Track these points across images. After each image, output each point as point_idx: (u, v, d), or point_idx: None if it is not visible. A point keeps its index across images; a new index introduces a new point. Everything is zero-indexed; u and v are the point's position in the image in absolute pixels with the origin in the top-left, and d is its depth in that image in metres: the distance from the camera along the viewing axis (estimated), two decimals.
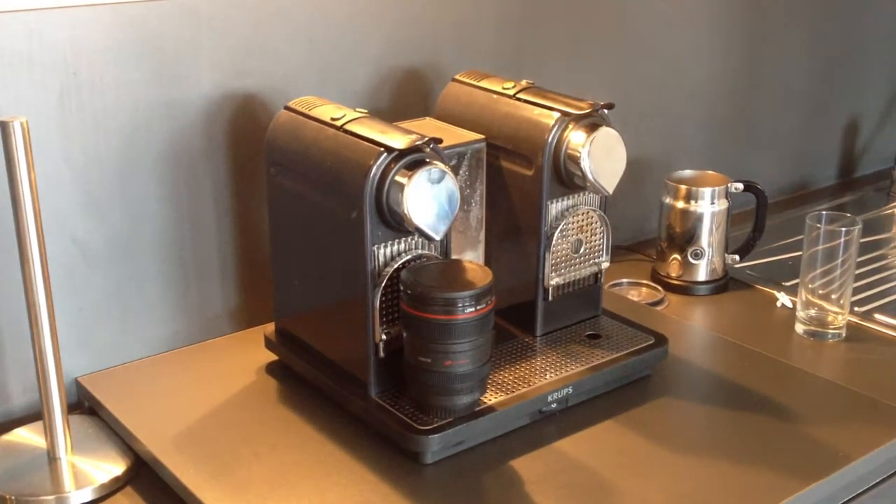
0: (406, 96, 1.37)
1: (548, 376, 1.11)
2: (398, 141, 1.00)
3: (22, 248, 0.99)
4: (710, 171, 1.53)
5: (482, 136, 1.15)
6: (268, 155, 1.13)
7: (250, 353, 1.23)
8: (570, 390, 1.10)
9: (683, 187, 1.47)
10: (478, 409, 1.04)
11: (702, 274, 1.50)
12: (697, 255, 1.48)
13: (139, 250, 1.21)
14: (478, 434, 1.04)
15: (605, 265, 1.23)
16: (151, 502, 1.03)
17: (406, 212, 0.98)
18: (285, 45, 1.25)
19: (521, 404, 1.06)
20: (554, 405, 1.09)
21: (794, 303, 1.42)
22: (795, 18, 1.85)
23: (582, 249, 1.20)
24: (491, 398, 1.06)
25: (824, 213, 1.35)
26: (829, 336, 1.35)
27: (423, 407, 1.02)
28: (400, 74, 1.36)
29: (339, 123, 1.05)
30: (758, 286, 1.52)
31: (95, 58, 1.12)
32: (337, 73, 1.30)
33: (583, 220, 1.19)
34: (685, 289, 1.50)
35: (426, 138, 1.00)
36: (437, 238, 1.00)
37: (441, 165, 1.00)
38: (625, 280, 1.53)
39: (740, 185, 1.49)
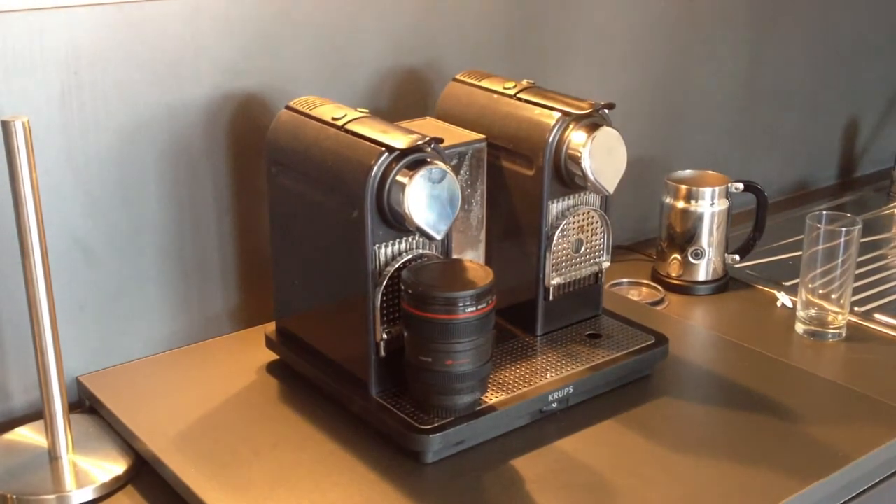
0: (407, 96, 1.37)
1: (548, 376, 1.11)
2: (399, 140, 1.00)
3: (23, 246, 0.99)
4: (710, 171, 1.53)
5: (483, 136, 1.15)
6: (269, 154, 1.13)
7: (251, 352, 1.23)
8: (571, 390, 1.10)
9: (684, 187, 1.48)
10: (478, 408, 1.04)
11: (702, 274, 1.50)
12: (698, 255, 1.48)
13: (140, 249, 1.21)
14: (478, 433, 1.04)
15: (606, 265, 1.23)
16: (152, 501, 1.03)
17: (407, 211, 0.98)
18: (286, 44, 1.25)
19: (521, 404, 1.06)
20: (554, 405, 1.09)
21: (794, 303, 1.42)
22: (796, 19, 1.85)
23: (582, 249, 1.20)
24: (491, 398, 1.06)
25: (824, 213, 1.35)
26: (829, 336, 1.35)
27: (423, 406, 1.02)
28: (401, 74, 1.36)
29: (340, 123, 1.05)
30: (758, 286, 1.52)
31: (97, 57, 1.12)
32: (338, 73, 1.30)
33: (583, 220, 1.19)
34: (685, 288, 1.50)
35: (427, 138, 1.00)
36: (438, 238, 1.00)
37: (442, 165, 1.00)
38: (625, 280, 1.53)
39: (740, 185, 1.49)
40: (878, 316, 1.42)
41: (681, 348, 1.26)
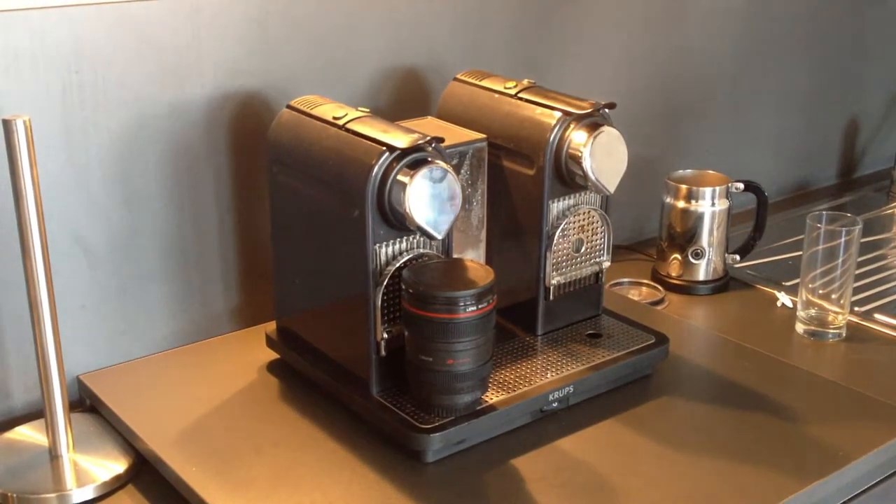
0: (408, 95, 1.37)
1: (549, 375, 1.11)
2: (400, 140, 1.00)
3: (24, 245, 0.99)
4: (711, 171, 1.53)
5: (483, 136, 1.15)
6: (270, 154, 1.13)
7: (252, 351, 1.23)
8: (571, 389, 1.10)
9: (684, 187, 1.48)
10: (479, 408, 1.04)
11: (702, 273, 1.50)
12: (698, 255, 1.49)
13: (141, 248, 1.21)
14: (479, 433, 1.04)
15: (606, 264, 1.23)
16: (153, 500, 1.03)
17: (408, 210, 0.98)
18: (287, 44, 1.25)
19: (522, 403, 1.06)
20: (555, 404, 1.09)
21: (794, 302, 1.42)
22: (796, 18, 1.85)
23: (583, 249, 1.20)
24: (492, 397, 1.06)
25: (824, 213, 1.35)
26: (830, 336, 1.35)
27: (424, 406, 1.03)
28: (401, 74, 1.36)
29: (341, 122, 1.05)
30: (758, 286, 1.52)
31: (98, 57, 1.12)
32: (338, 73, 1.30)
33: (584, 220, 1.19)
34: (685, 288, 1.50)
35: (428, 137, 1.00)
36: (439, 237, 1.01)
37: (443, 164, 1.00)
38: (625, 279, 1.53)
39: (740, 185, 1.49)
40: (878, 316, 1.42)
41: (681, 348, 1.26)
